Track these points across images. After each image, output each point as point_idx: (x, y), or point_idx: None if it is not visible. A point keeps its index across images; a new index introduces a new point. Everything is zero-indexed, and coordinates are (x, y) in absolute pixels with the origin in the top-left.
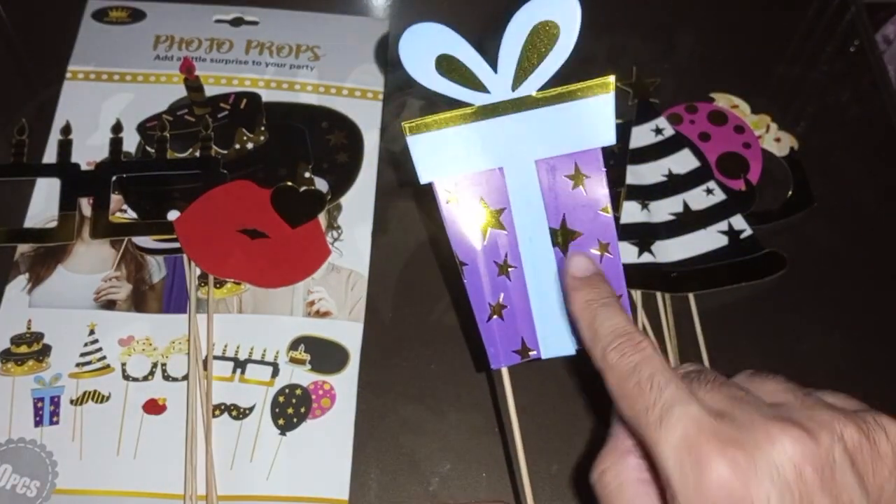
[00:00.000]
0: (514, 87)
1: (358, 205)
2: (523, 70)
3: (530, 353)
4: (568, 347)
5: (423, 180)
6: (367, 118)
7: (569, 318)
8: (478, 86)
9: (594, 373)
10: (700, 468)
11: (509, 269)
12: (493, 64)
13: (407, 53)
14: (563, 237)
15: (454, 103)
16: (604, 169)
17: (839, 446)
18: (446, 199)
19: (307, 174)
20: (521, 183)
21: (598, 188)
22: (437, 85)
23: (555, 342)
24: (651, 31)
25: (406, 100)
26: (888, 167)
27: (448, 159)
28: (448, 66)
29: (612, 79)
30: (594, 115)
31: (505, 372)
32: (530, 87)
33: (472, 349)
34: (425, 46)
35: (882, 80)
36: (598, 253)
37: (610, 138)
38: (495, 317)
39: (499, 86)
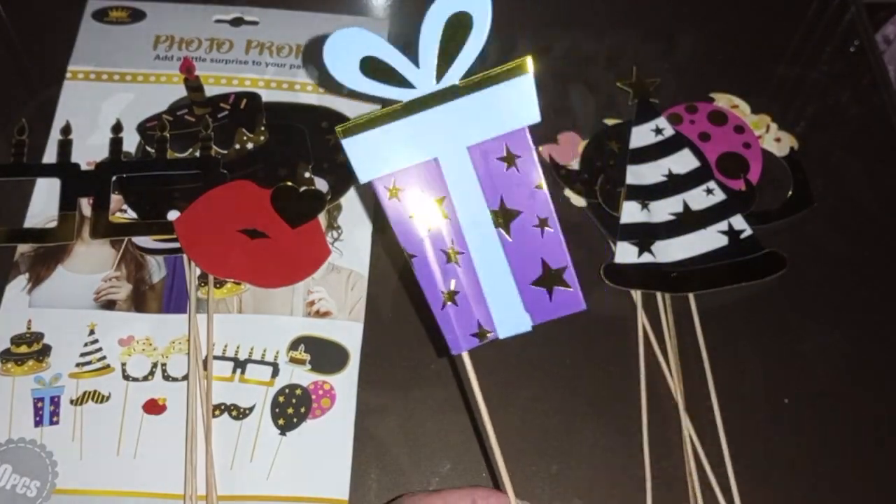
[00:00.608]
0: (437, 80)
1: (358, 205)
2: (444, 62)
3: (488, 334)
4: (524, 325)
5: (363, 180)
6: None
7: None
8: (403, 82)
9: (593, 373)
10: None
11: (457, 255)
12: (416, 60)
13: (331, 60)
14: (503, 217)
15: (385, 102)
16: (533, 147)
17: None
18: (387, 195)
19: (307, 174)
20: (456, 170)
21: (530, 166)
22: (363, 86)
23: (510, 321)
24: (651, 31)
25: None
26: (888, 167)
27: (384, 156)
28: (372, 67)
29: (529, 59)
30: (517, 96)
31: (466, 356)
32: (452, 77)
33: (431, 338)
34: (348, 51)
35: (882, 80)
36: (539, 229)
37: (534, 116)
38: (449, 303)
39: (423, 80)
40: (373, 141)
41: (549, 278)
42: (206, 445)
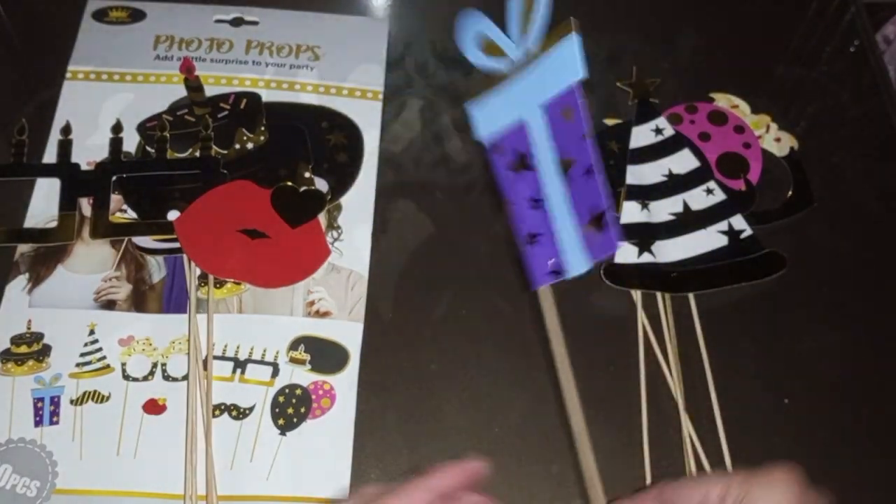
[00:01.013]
0: (521, 49)
1: (358, 205)
2: (524, 34)
3: (560, 274)
4: (584, 265)
5: (480, 138)
6: (367, 118)
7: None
8: (503, 55)
9: (593, 373)
10: None
11: (540, 203)
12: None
13: (461, 37)
14: (565, 167)
15: (491, 75)
16: (582, 101)
17: None
18: (494, 150)
19: (307, 174)
20: (537, 128)
21: (580, 118)
22: (480, 61)
23: (575, 262)
24: (651, 31)
25: (406, 100)
26: (888, 167)
27: (493, 118)
28: (485, 44)
29: (573, 21)
30: (567, 56)
31: (543, 291)
32: (530, 45)
33: (518, 274)
34: (470, 31)
35: (882, 80)
36: (587, 176)
37: (581, 72)
38: (532, 244)
39: (513, 51)
40: (487, 106)
41: (596, 221)
42: (206, 445)
